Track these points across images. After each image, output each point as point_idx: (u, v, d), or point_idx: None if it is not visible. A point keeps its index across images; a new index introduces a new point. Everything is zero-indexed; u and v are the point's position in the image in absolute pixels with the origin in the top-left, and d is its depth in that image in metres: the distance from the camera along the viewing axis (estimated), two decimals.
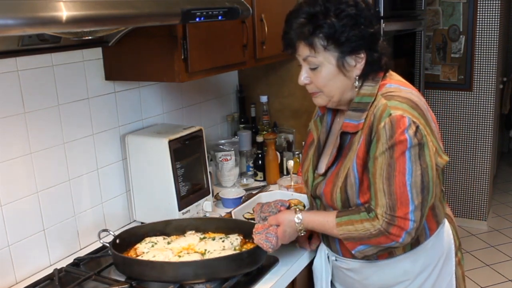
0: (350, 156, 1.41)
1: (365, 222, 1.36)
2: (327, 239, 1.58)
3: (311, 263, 1.75)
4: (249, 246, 1.61)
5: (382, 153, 1.32)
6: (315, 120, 1.62)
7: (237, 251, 1.56)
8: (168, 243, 1.65)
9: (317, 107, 1.62)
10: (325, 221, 1.44)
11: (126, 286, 1.49)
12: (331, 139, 1.55)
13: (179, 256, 1.55)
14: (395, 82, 1.44)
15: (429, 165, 1.33)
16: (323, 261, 1.64)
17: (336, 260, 1.59)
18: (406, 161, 1.30)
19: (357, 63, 1.37)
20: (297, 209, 1.52)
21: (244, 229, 1.69)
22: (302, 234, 1.52)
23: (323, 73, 1.38)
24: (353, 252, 1.42)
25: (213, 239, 1.65)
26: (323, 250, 1.64)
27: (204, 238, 1.68)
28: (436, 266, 1.50)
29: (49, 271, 1.64)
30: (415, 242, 1.46)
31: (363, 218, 1.37)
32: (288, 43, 1.41)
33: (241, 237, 1.65)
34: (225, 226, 1.74)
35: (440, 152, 1.41)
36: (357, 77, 1.39)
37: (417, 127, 1.31)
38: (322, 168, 1.52)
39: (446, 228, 1.56)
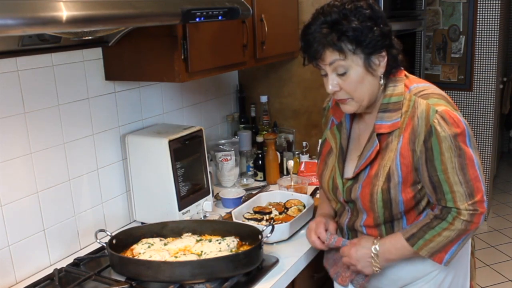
0: (389, 156, 1.42)
1: (445, 232, 1.39)
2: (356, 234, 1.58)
3: (311, 263, 1.76)
4: (245, 248, 1.60)
5: (448, 148, 1.35)
6: (331, 129, 1.62)
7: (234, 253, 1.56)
8: (165, 244, 1.65)
9: (330, 117, 1.63)
10: (402, 249, 1.44)
11: (126, 286, 1.50)
12: (352, 145, 1.57)
13: (176, 257, 1.55)
14: (419, 82, 1.49)
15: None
16: None
17: None
18: (470, 148, 1.37)
19: (380, 62, 1.41)
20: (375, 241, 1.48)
21: (241, 231, 1.68)
22: (376, 269, 1.47)
23: (352, 76, 1.39)
24: (443, 264, 1.43)
25: (210, 241, 1.64)
26: None
27: (201, 240, 1.67)
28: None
29: (49, 271, 1.64)
30: None
31: (440, 230, 1.39)
32: (313, 55, 1.40)
33: (238, 239, 1.64)
34: (222, 228, 1.73)
35: None
36: (382, 76, 1.43)
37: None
38: (349, 172, 1.53)
39: None
